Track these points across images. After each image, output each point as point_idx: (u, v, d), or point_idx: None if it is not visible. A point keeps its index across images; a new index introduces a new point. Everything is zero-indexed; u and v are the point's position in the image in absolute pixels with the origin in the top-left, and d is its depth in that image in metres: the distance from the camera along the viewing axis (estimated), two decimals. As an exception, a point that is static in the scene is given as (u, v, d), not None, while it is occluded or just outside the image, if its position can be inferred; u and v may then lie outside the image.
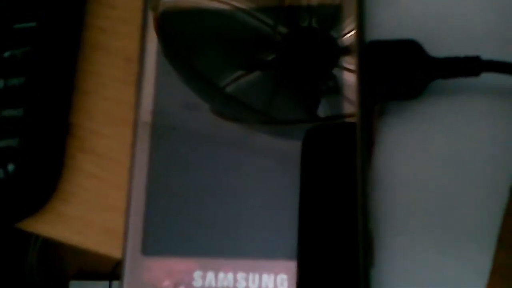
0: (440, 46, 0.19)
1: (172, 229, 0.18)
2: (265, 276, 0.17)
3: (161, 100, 0.19)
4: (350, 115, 0.18)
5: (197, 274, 0.18)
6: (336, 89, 0.19)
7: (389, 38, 0.19)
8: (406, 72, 0.19)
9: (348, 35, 0.19)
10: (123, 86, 0.21)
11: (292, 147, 0.18)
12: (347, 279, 0.17)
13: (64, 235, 0.21)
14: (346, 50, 0.19)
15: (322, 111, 0.19)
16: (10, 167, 0.19)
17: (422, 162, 0.19)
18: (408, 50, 0.19)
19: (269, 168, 0.18)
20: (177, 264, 0.18)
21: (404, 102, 0.19)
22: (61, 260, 0.58)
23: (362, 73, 0.19)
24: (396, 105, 0.20)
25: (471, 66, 0.18)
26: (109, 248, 0.20)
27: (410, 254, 0.18)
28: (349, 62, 0.19)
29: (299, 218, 0.18)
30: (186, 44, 0.20)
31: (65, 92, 0.21)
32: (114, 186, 0.20)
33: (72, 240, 0.20)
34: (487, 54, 0.19)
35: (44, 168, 0.20)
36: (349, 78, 0.19)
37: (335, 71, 0.19)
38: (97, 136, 0.21)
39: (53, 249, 0.57)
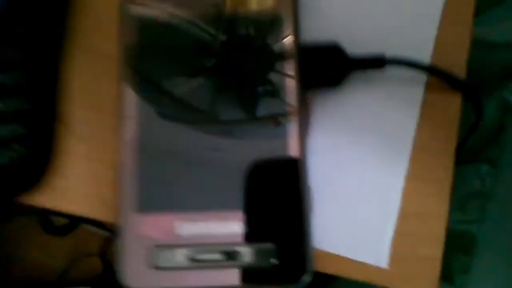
0: (358, 44, 0.23)
1: (159, 189, 0.21)
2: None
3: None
4: (285, 114, 0.21)
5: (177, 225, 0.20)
6: (272, 91, 0.21)
7: (314, 40, 0.23)
8: (328, 66, 0.23)
9: (283, 41, 0.22)
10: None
11: (233, 143, 0.21)
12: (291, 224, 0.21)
13: (60, 206, 0.22)
14: (280, 56, 0.21)
15: (260, 111, 0.21)
16: (16, 148, 0.21)
17: (344, 135, 0.24)
18: (331, 50, 0.23)
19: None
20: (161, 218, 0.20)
21: (329, 92, 0.23)
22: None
23: (297, 71, 0.21)
24: (322, 95, 0.24)
25: (377, 61, 0.23)
26: (103, 215, 0.22)
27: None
28: (284, 66, 0.21)
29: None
30: (137, 52, 0.22)
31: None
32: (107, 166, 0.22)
33: (68, 209, 0.22)
34: (393, 50, 0.23)
35: (38, 150, 0.22)
36: (284, 81, 0.21)
37: (271, 75, 0.21)
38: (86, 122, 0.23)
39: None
